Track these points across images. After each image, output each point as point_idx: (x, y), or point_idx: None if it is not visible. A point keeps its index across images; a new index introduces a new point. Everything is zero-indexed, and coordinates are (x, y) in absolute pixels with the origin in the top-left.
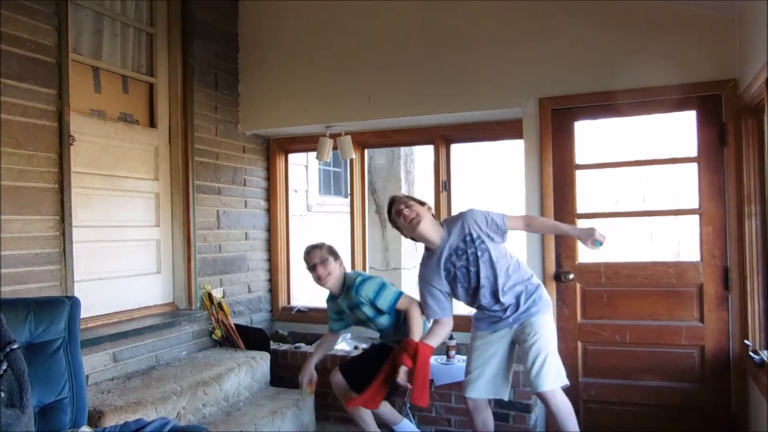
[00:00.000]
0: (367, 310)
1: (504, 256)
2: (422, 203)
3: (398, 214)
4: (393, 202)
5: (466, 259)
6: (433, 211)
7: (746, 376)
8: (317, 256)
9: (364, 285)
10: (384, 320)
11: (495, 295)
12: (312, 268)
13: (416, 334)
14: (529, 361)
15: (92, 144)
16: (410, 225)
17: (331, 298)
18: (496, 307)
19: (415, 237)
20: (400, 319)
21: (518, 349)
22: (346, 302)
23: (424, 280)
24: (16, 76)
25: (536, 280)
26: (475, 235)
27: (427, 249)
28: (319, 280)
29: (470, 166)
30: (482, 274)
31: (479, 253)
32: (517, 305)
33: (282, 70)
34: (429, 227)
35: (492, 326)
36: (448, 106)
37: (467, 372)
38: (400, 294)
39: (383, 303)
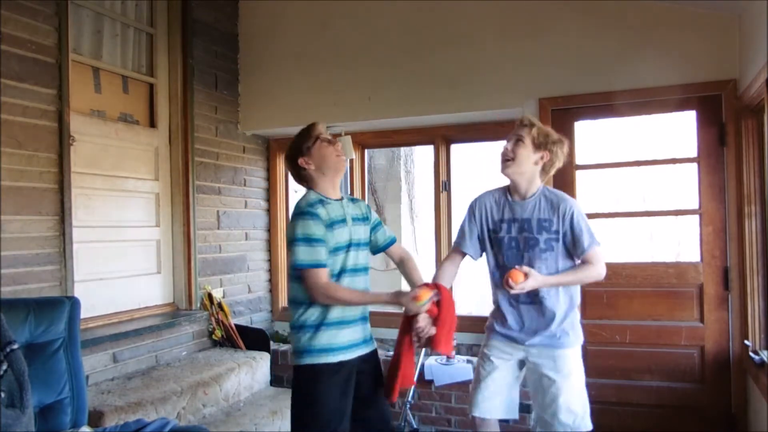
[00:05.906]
0: (364, 232)
1: None
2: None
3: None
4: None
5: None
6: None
7: (746, 376)
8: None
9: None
10: (367, 262)
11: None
12: (329, 141)
13: (420, 276)
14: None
15: (92, 144)
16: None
17: (321, 202)
18: None
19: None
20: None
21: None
22: (353, 209)
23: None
24: (16, 77)
25: None
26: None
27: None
28: (338, 156)
29: (470, 166)
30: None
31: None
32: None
33: (282, 70)
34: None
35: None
36: (448, 106)
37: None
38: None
39: (387, 231)
